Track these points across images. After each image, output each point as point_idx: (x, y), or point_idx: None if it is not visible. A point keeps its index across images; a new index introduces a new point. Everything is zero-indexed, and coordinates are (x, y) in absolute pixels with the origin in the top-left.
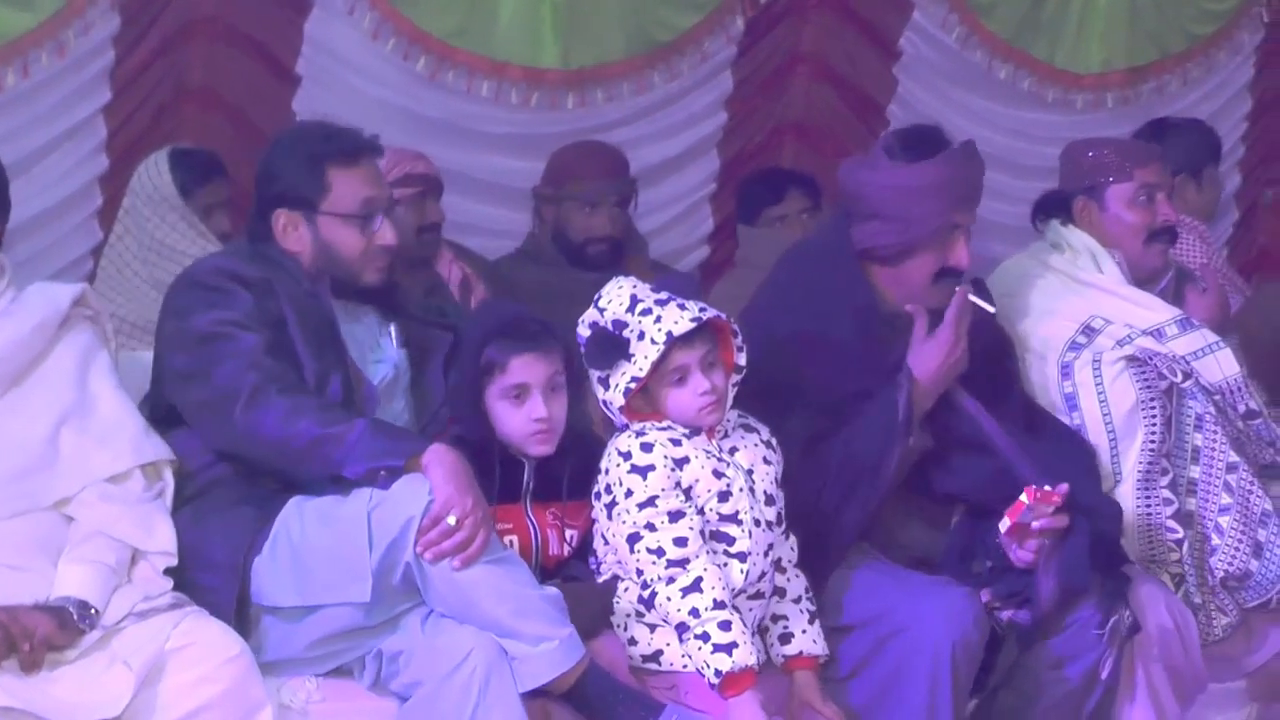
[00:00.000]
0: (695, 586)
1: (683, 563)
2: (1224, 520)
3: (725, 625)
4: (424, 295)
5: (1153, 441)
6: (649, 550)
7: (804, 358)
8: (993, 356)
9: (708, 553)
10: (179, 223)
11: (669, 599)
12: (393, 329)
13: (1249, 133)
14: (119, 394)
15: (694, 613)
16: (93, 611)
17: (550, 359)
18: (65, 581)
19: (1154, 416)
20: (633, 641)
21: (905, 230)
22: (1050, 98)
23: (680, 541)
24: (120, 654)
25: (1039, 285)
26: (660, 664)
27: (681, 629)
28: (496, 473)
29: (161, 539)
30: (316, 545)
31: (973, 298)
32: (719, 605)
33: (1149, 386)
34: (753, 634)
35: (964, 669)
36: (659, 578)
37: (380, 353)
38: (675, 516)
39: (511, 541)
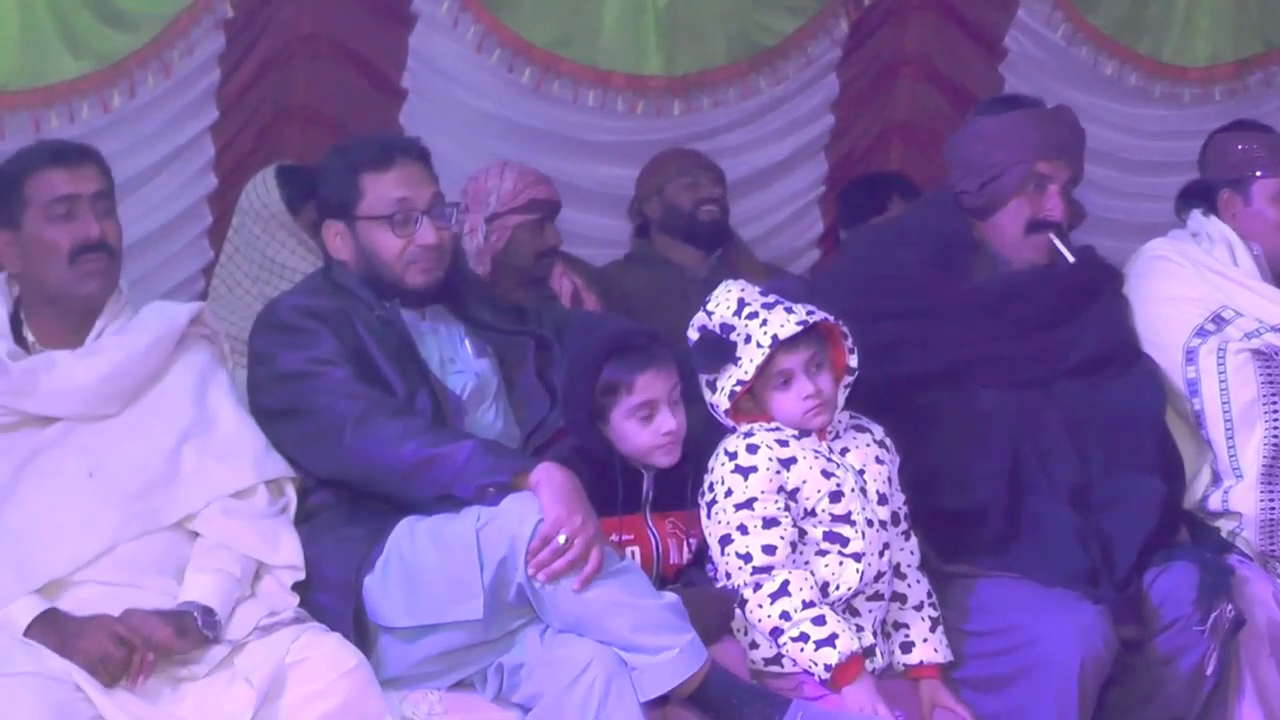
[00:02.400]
0: (783, 591)
1: (767, 569)
2: None
3: (820, 620)
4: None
5: (1275, 436)
6: (737, 555)
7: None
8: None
9: (797, 564)
10: (288, 239)
11: (759, 605)
12: (467, 340)
13: None
14: (239, 411)
15: (785, 616)
16: (216, 618)
17: (671, 371)
18: (190, 588)
19: (1276, 411)
20: (753, 646)
21: (990, 177)
22: (1157, 92)
23: (769, 549)
24: (243, 670)
25: (1172, 271)
26: (783, 666)
27: (776, 634)
28: (619, 486)
29: (287, 553)
30: (428, 565)
31: (1056, 242)
32: (808, 605)
33: (1272, 381)
34: (875, 635)
35: (1091, 686)
36: (745, 584)
37: (459, 363)
38: (769, 523)
39: (634, 552)
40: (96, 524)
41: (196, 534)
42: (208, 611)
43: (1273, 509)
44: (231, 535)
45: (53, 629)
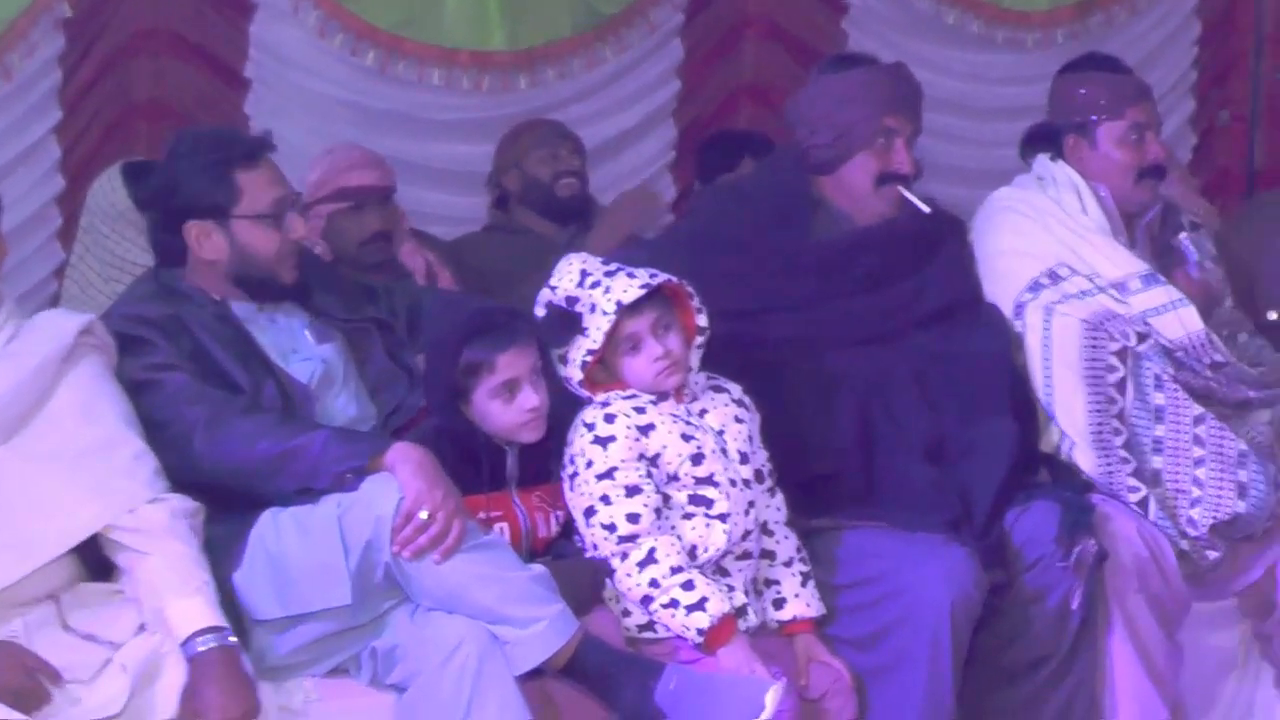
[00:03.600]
0: (650, 558)
1: (633, 538)
2: (1200, 473)
3: (689, 585)
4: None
5: (1097, 402)
6: (602, 525)
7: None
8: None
9: (662, 530)
10: (138, 237)
11: (628, 574)
12: (308, 329)
13: (1199, 57)
14: (132, 423)
15: (654, 583)
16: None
17: (531, 348)
18: (189, 619)
19: (1099, 378)
20: (626, 614)
21: (837, 134)
22: (1000, 39)
23: (633, 518)
24: (118, 661)
25: (1014, 223)
26: (656, 633)
27: (646, 601)
28: (484, 464)
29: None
30: (293, 555)
31: (906, 194)
32: (676, 570)
33: (1096, 348)
34: (746, 593)
35: (964, 628)
36: (612, 554)
37: (302, 351)
38: (632, 491)
39: (502, 529)
40: None
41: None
42: (219, 630)
43: (1110, 472)
44: (154, 545)
45: None
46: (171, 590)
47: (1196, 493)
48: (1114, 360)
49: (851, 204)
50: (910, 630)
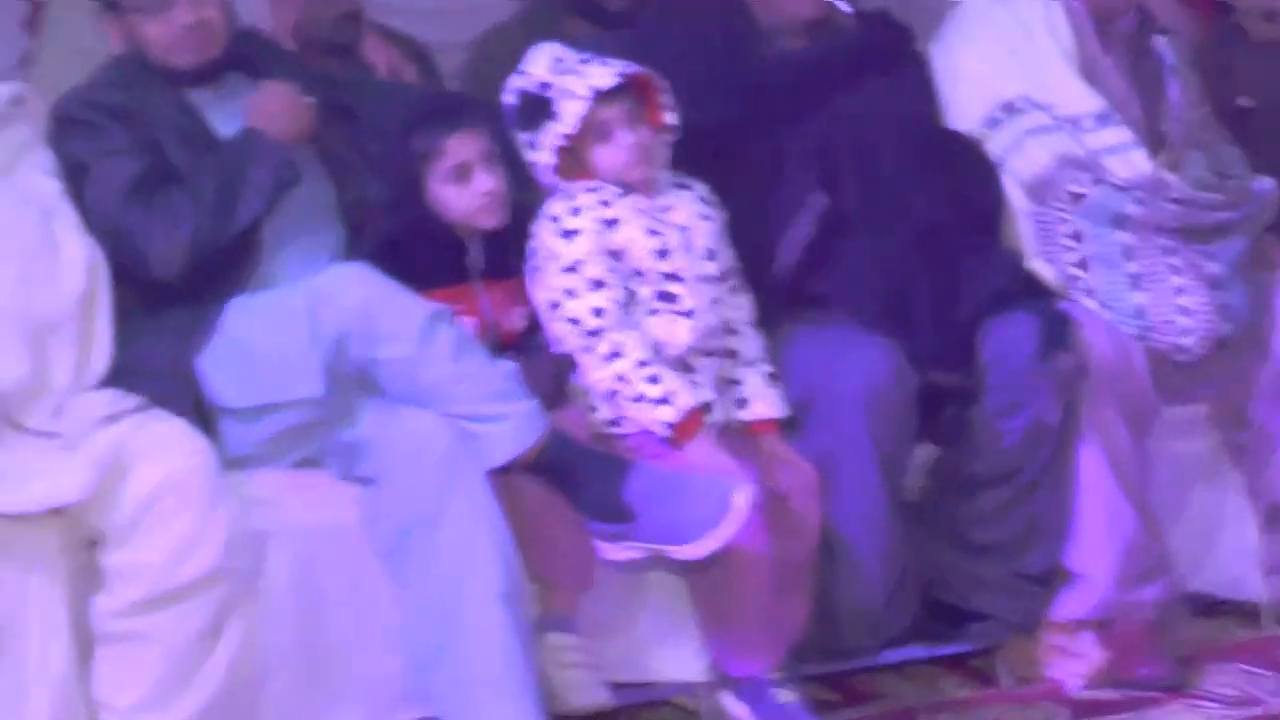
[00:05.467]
0: (615, 353)
1: (598, 332)
2: (1184, 300)
3: (655, 379)
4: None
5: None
6: (567, 319)
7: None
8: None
9: (628, 325)
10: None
11: (593, 369)
12: None
13: None
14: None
15: (620, 378)
16: None
17: (481, 132)
18: None
19: (1049, 225)
20: (592, 409)
21: None
22: None
23: (598, 312)
24: (82, 453)
25: (974, 41)
26: (623, 427)
27: (612, 396)
28: (444, 254)
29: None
30: (261, 344)
31: None
32: (642, 364)
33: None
34: (712, 389)
35: (883, 418)
36: (577, 348)
37: None
38: (597, 285)
39: (466, 322)
40: None
41: None
42: None
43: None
44: None
45: None
46: None
47: (1183, 321)
48: (1070, 203)
49: (773, 11)
50: (828, 427)
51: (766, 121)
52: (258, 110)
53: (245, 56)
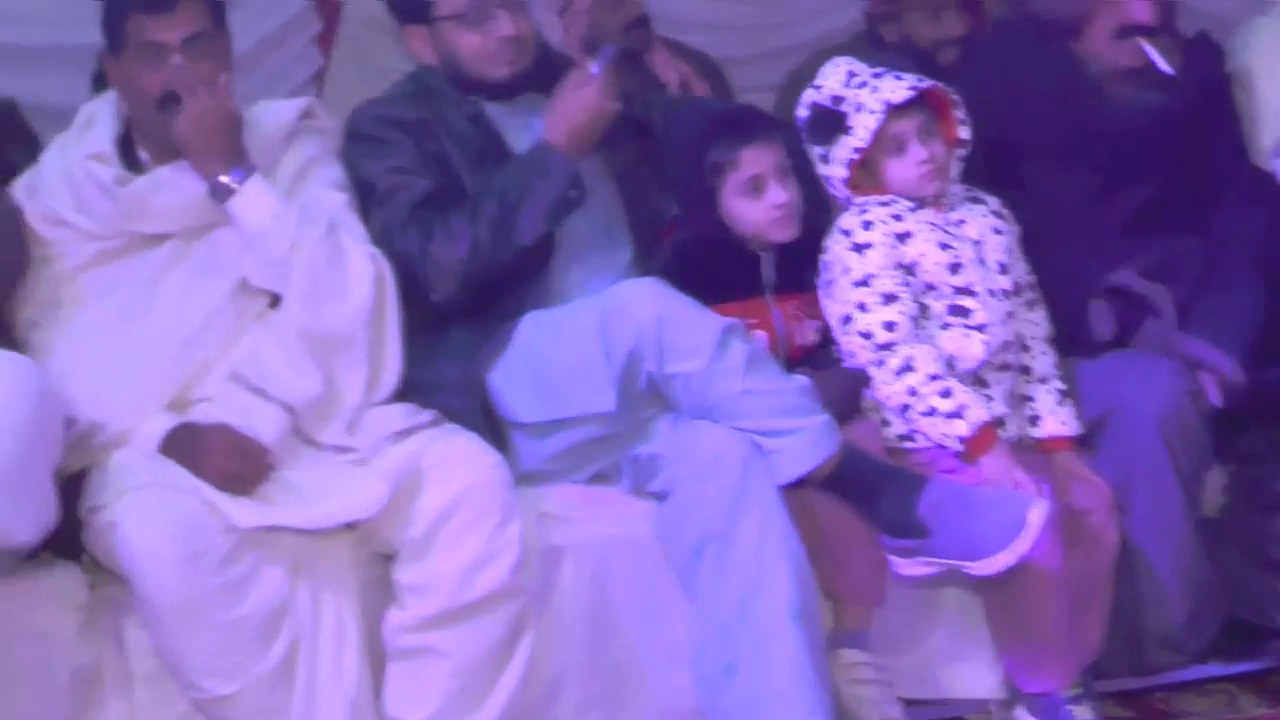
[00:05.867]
0: (908, 366)
1: (890, 346)
2: None
3: (947, 393)
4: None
5: None
6: (859, 333)
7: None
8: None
9: (920, 339)
10: (395, 45)
11: (885, 382)
12: None
13: None
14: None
15: (912, 391)
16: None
17: (776, 145)
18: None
19: None
20: (885, 424)
21: None
22: None
23: (890, 325)
24: (377, 469)
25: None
26: (916, 442)
27: (904, 410)
28: (738, 268)
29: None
30: (554, 359)
31: (1146, 47)
32: (934, 378)
33: None
34: (1005, 405)
35: (1178, 439)
36: (869, 362)
37: None
38: (889, 299)
39: (758, 336)
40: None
41: None
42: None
43: None
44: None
45: (179, 445)
46: None
47: None
48: None
49: (1095, 61)
50: (1125, 446)
51: (1117, 169)
52: (563, 103)
53: (542, 73)
